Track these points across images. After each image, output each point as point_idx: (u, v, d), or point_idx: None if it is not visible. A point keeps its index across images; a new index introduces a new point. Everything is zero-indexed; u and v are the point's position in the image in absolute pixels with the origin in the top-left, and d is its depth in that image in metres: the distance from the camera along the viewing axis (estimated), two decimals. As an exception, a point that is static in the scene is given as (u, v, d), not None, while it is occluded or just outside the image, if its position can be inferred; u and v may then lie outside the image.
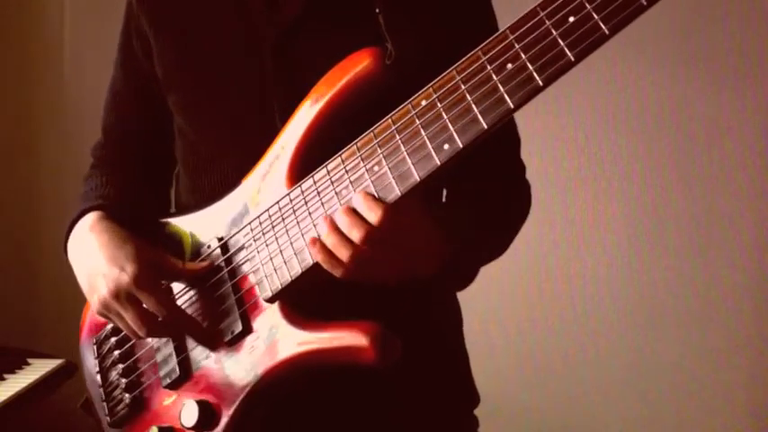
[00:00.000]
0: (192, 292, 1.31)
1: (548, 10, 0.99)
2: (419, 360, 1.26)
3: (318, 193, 1.17)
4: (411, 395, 1.32)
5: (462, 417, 1.41)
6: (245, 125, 1.32)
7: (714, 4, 2.43)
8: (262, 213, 1.24)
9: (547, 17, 0.98)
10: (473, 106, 1.04)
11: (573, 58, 0.97)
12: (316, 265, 1.15)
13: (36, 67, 3.13)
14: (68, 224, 1.42)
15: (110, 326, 1.42)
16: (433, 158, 1.06)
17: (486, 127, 1.03)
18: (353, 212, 1.10)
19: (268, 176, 1.24)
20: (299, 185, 1.19)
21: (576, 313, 2.63)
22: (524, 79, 1.00)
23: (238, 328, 1.24)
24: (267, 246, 1.22)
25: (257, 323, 1.23)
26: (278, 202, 1.21)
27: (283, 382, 1.21)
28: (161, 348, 1.34)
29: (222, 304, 1.27)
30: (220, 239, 1.29)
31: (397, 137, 1.10)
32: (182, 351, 1.31)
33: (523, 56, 1.00)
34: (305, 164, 1.20)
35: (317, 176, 1.18)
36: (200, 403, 1.25)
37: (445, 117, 1.06)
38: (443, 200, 1.36)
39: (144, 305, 1.26)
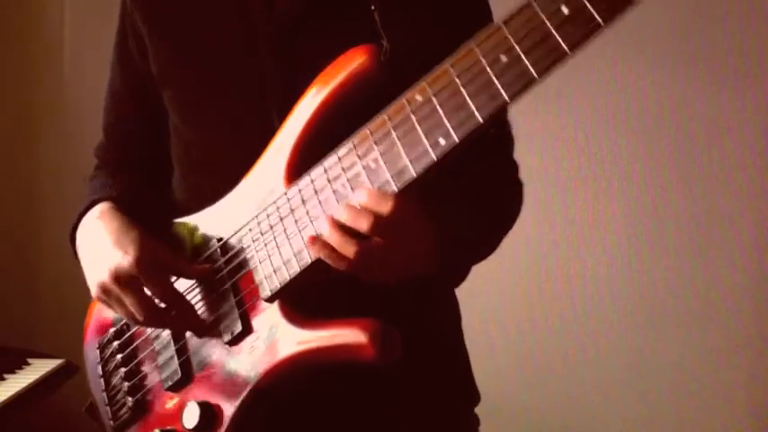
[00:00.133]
0: (191, 294, 1.31)
1: (542, 0, 0.97)
2: (419, 358, 1.26)
3: (316, 192, 1.17)
4: (412, 393, 1.32)
5: (463, 415, 1.41)
6: (243, 125, 1.32)
7: (714, 4, 2.43)
8: (260, 213, 1.24)
9: (540, 8, 0.97)
10: (468, 100, 1.03)
11: (567, 49, 0.95)
12: (314, 264, 1.15)
13: (36, 67, 3.13)
14: (77, 214, 1.43)
15: (112, 330, 1.43)
16: (429, 154, 1.06)
17: (481, 121, 1.02)
18: (355, 208, 1.10)
19: (266, 176, 1.24)
20: (297, 184, 1.19)
21: (576, 313, 2.62)
22: (519, 71, 0.99)
23: (238, 328, 1.24)
24: (266, 246, 1.22)
25: (257, 323, 1.23)
26: (275, 202, 1.21)
27: (284, 381, 1.21)
28: (163, 351, 1.34)
29: (222, 305, 1.27)
30: (219, 240, 1.29)
31: (394, 133, 1.09)
32: (183, 353, 1.32)
33: (517, 48, 0.98)
34: (302, 162, 1.20)
35: (314, 175, 1.17)
36: (202, 405, 1.26)
37: (441, 112, 1.05)
38: (436, 198, 1.36)
39: (144, 290, 1.26)
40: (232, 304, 1.25)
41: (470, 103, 1.02)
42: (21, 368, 2.34)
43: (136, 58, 1.43)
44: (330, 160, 1.16)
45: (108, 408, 1.42)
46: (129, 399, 1.38)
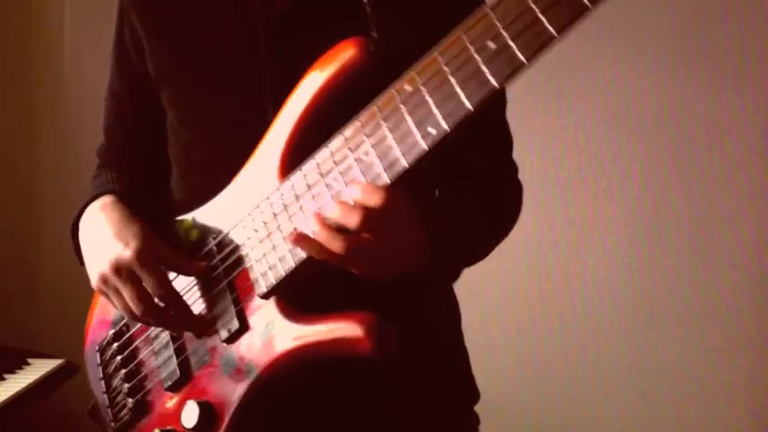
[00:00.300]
0: (188, 291, 1.31)
1: None
2: (416, 354, 1.26)
3: (309, 186, 1.16)
4: (409, 390, 1.32)
5: (462, 413, 1.41)
6: (241, 125, 1.32)
7: (714, 4, 2.43)
8: (254, 210, 1.23)
9: None
10: (457, 88, 1.01)
11: (555, 32, 0.94)
12: (309, 259, 1.15)
13: (36, 67, 3.13)
14: (80, 207, 1.44)
15: (112, 332, 1.43)
16: (420, 144, 1.04)
17: (471, 109, 1.00)
18: (346, 204, 1.10)
19: (259, 171, 1.24)
20: (289, 179, 1.19)
21: (576, 313, 2.62)
22: (507, 57, 0.97)
23: (235, 325, 1.24)
24: (260, 243, 1.22)
25: (254, 320, 1.23)
26: (269, 198, 1.21)
27: (282, 377, 1.21)
28: (161, 351, 1.34)
29: (218, 303, 1.27)
30: (215, 238, 1.29)
31: (384, 125, 1.08)
32: (182, 352, 1.32)
33: (505, 33, 0.97)
34: (296, 156, 1.20)
35: (306, 169, 1.17)
36: (201, 404, 1.26)
37: (430, 101, 1.03)
38: (428, 195, 1.35)
39: (143, 283, 1.26)
40: (229, 302, 1.25)
41: (459, 92, 1.01)
42: (21, 368, 2.34)
43: (133, 59, 1.43)
44: (322, 154, 1.15)
45: (109, 409, 1.42)
46: (130, 400, 1.38)
